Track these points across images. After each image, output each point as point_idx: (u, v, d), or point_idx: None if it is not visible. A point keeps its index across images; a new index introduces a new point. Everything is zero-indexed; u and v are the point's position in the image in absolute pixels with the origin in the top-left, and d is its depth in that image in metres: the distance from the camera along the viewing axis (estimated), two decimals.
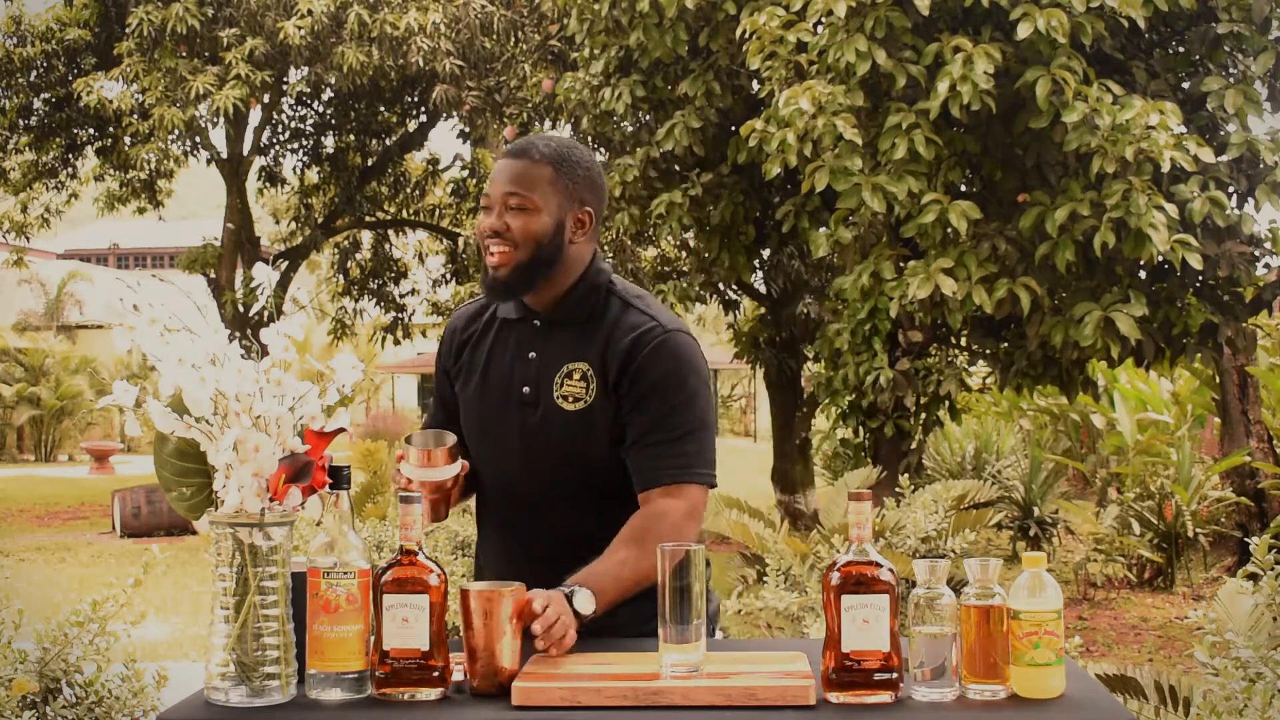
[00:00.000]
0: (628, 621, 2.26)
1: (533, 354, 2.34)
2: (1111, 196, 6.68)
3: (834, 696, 1.81)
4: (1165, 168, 6.66)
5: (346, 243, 17.19)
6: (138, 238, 41.61)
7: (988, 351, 8.42)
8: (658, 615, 1.88)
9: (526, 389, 2.33)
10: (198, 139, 14.06)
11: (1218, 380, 9.76)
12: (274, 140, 15.62)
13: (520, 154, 2.29)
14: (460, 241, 15.16)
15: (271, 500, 1.82)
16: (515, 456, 2.35)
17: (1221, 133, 7.45)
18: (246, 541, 1.82)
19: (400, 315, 16.73)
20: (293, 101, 15.33)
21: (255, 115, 14.44)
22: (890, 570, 1.82)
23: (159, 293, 1.91)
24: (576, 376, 2.29)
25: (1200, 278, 7.52)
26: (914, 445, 8.41)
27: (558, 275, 2.30)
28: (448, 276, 16.37)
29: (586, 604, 2.07)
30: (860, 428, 8.29)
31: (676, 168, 9.04)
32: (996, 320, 7.82)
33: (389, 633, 1.84)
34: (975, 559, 1.83)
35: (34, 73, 14.05)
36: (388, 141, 15.85)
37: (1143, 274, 7.65)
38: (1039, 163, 7.44)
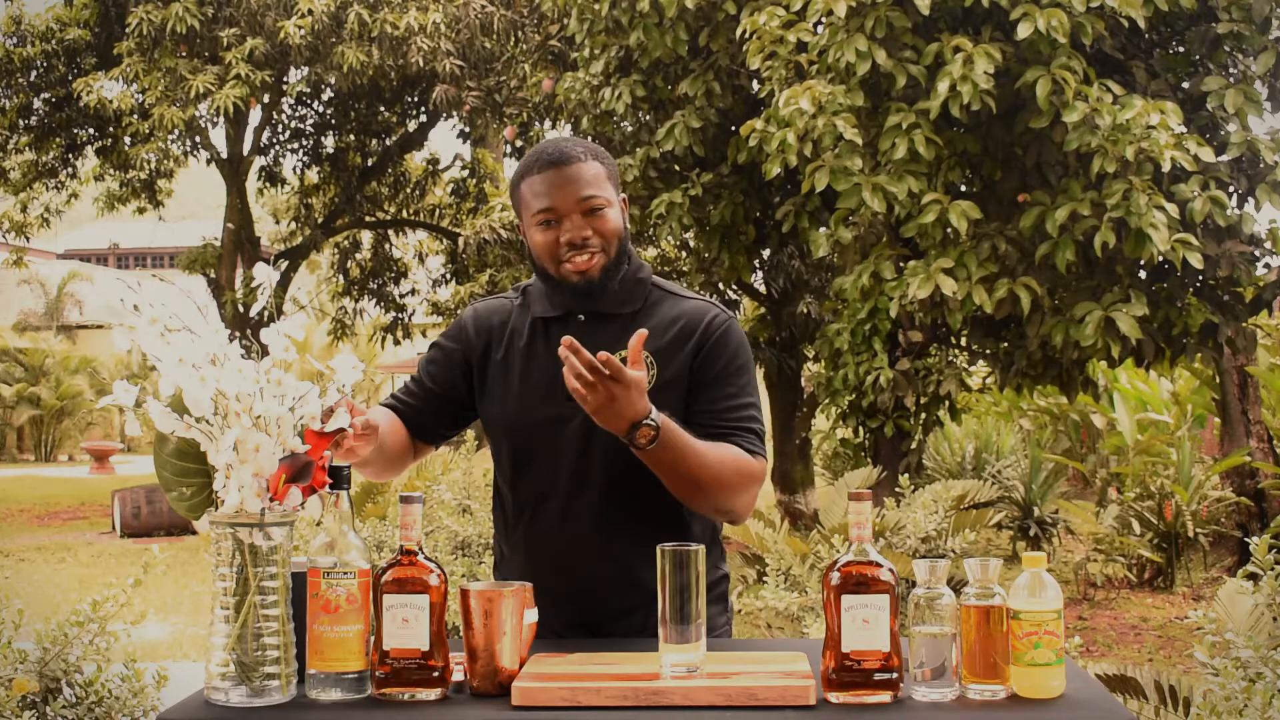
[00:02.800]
0: (628, 622, 2.26)
1: None
2: (1112, 196, 6.68)
3: (834, 696, 1.81)
4: (1165, 167, 6.66)
5: (346, 243, 17.20)
6: (138, 238, 41.62)
7: (988, 351, 8.43)
8: (658, 615, 1.88)
9: None
10: (198, 139, 14.06)
11: (1218, 380, 9.76)
12: (274, 140, 15.63)
13: (567, 159, 2.25)
14: (460, 241, 15.15)
15: (271, 500, 1.82)
16: (572, 454, 2.26)
17: (1222, 132, 7.45)
18: (246, 541, 1.82)
19: (400, 315, 16.73)
20: (293, 101, 15.34)
21: (255, 115, 14.45)
22: (890, 570, 1.82)
23: (159, 293, 1.91)
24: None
25: (1200, 277, 7.52)
26: (914, 445, 8.41)
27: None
28: (448, 276, 16.37)
29: (653, 418, 2.05)
30: (860, 428, 8.29)
31: (676, 168, 9.04)
32: (996, 320, 7.82)
33: (389, 633, 1.84)
34: (975, 559, 1.83)
35: (34, 73, 14.06)
36: (388, 141, 15.86)
37: (1143, 274, 7.65)
38: (1039, 163, 7.44)
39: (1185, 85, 7.77)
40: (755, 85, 8.35)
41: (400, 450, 2.37)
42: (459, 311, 13.15)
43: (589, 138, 11.58)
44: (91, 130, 14.73)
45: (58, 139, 14.80)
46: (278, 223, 18.68)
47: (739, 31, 7.67)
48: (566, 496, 2.27)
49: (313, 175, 16.20)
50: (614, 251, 2.26)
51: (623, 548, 2.23)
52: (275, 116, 15.24)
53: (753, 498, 2.26)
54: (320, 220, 16.16)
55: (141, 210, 15.61)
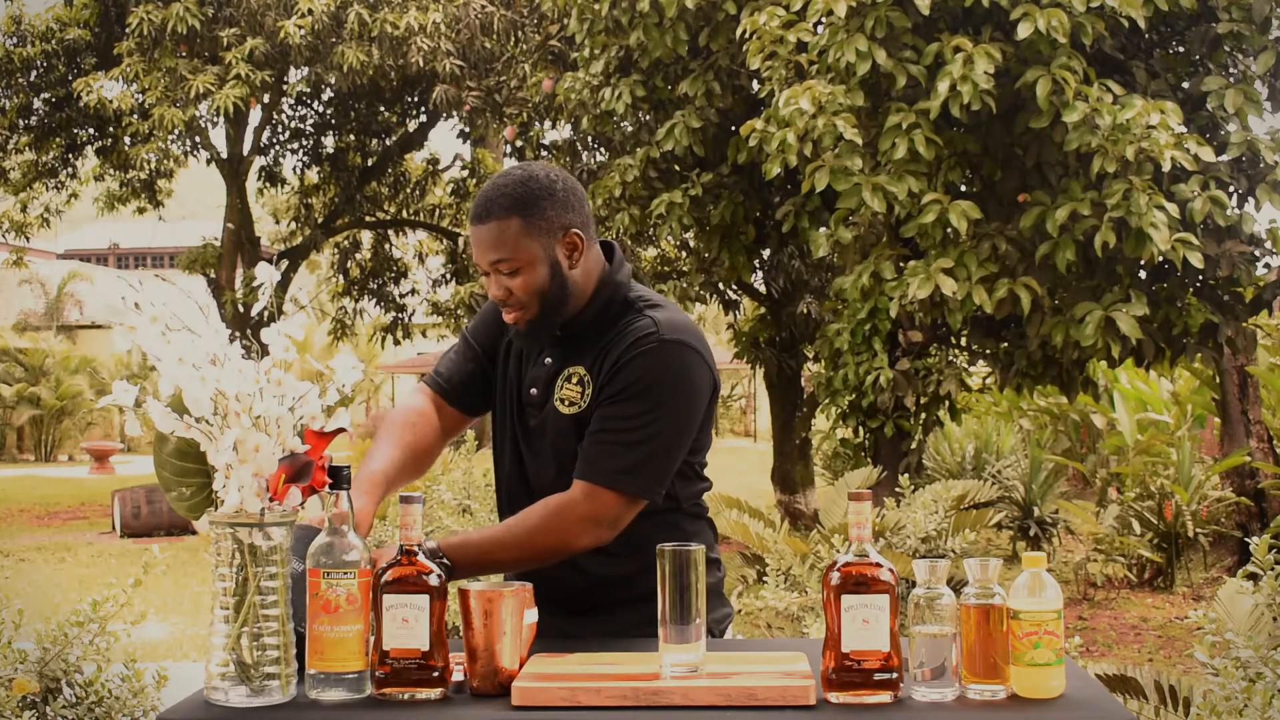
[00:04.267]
0: (628, 622, 2.26)
1: (548, 359, 2.33)
2: (1112, 196, 6.68)
3: (834, 696, 1.81)
4: (1166, 167, 6.66)
5: (346, 243, 17.19)
6: (138, 238, 41.62)
7: (988, 351, 8.42)
8: (658, 615, 1.88)
9: (534, 390, 2.33)
10: (198, 139, 14.06)
11: (1218, 380, 9.76)
12: (274, 140, 15.62)
13: (484, 217, 2.22)
14: (460, 241, 15.17)
15: (271, 500, 1.82)
16: (513, 458, 2.37)
17: (1222, 132, 7.46)
18: (246, 541, 1.82)
19: (400, 315, 16.73)
20: (293, 101, 15.34)
21: (255, 115, 14.45)
22: (890, 570, 1.82)
23: (160, 292, 1.91)
24: (574, 380, 2.28)
25: (1200, 277, 7.52)
26: (914, 445, 8.41)
27: (574, 301, 2.28)
28: (448, 276, 16.37)
29: (441, 566, 2.04)
30: (860, 428, 8.29)
31: (676, 168, 9.04)
32: (997, 320, 7.82)
33: (389, 633, 1.84)
34: (975, 559, 1.83)
35: (34, 73, 14.05)
36: (388, 141, 15.86)
37: (1143, 274, 7.65)
38: (1039, 162, 7.44)
39: (1185, 85, 7.77)
40: (755, 85, 8.35)
41: (426, 447, 2.41)
42: (459, 312, 13.18)
43: (589, 138, 11.61)
44: (91, 130, 14.73)
45: (58, 139, 14.79)
46: (278, 223, 18.68)
47: (739, 31, 7.67)
48: (522, 483, 2.36)
49: (313, 175, 16.19)
50: (535, 308, 2.24)
51: (589, 558, 2.26)
52: (275, 116, 15.23)
53: (591, 535, 2.19)
54: (320, 220, 16.15)
55: (141, 210, 15.61)
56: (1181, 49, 7.89)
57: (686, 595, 1.87)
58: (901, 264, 7.48)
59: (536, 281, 2.23)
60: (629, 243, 11.91)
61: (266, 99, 14.11)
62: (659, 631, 1.88)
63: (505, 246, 2.21)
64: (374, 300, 16.93)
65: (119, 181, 14.97)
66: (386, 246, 17.06)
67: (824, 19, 7.41)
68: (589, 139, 11.89)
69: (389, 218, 16.63)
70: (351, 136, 15.72)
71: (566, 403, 2.28)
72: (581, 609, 2.31)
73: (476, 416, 2.51)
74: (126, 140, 14.09)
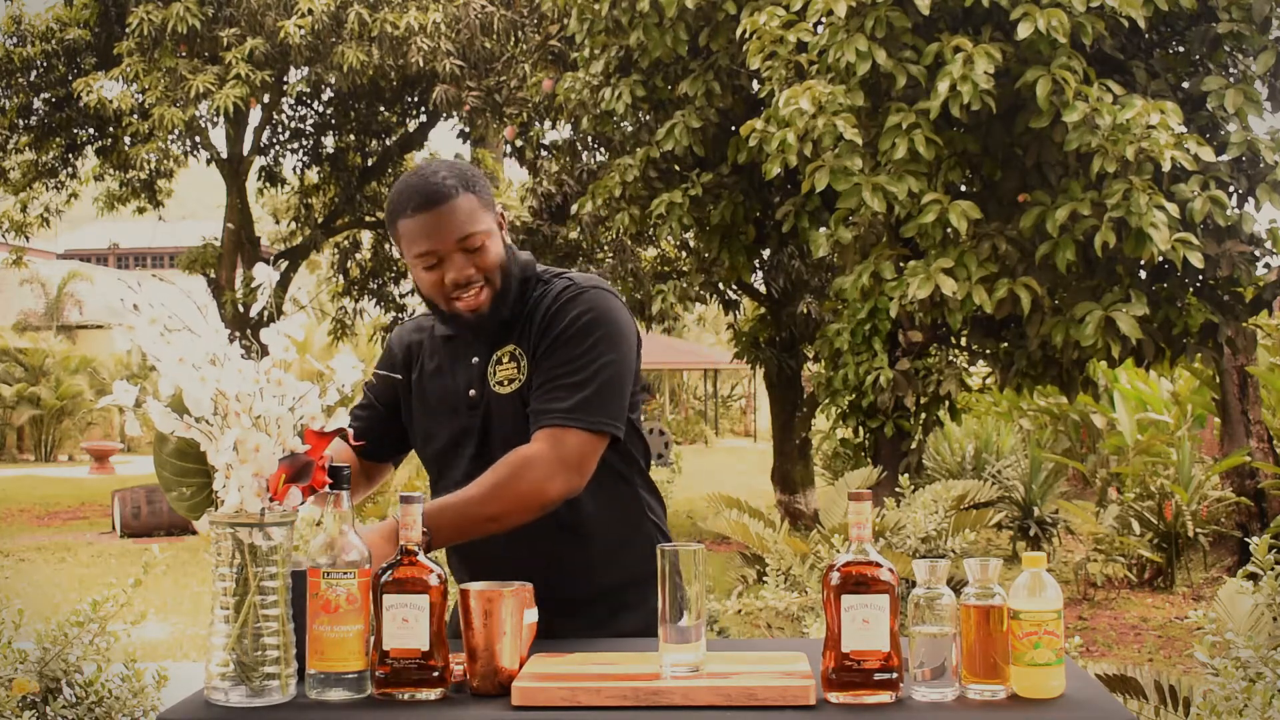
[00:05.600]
0: (629, 622, 2.26)
1: (474, 359, 2.32)
2: (1112, 196, 6.68)
3: (834, 696, 1.81)
4: (1166, 167, 6.66)
5: (346, 243, 17.20)
6: (138, 238, 41.63)
7: (988, 351, 8.43)
8: (658, 615, 1.88)
9: (472, 391, 2.31)
10: (198, 139, 14.06)
11: (1218, 380, 9.76)
12: (274, 140, 15.62)
13: (437, 199, 2.19)
14: None
15: (271, 500, 1.82)
16: (469, 459, 2.31)
17: (1222, 132, 7.46)
18: (246, 541, 1.82)
19: (400, 315, 16.72)
20: (293, 101, 15.34)
21: (255, 115, 14.45)
22: (890, 570, 1.82)
23: (159, 292, 1.91)
24: (506, 359, 2.28)
25: (1200, 277, 7.52)
26: (914, 445, 8.41)
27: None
28: None
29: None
30: (860, 428, 8.30)
31: (676, 168, 9.04)
32: (997, 320, 7.83)
33: (389, 633, 1.84)
34: (975, 559, 1.83)
35: (34, 73, 14.06)
36: (388, 141, 15.86)
37: (1143, 274, 7.66)
38: (1039, 162, 7.44)
39: (1185, 85, 7.77)
40: (755, 85, 8.35)
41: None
42: None
43: (589, 138, 11.61)
44: (91, 130, 14.73)
45: (58, 139, 14.79)
46: (278, 223, 18.68)
47: (739, 31, 7.68)
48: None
49: (313, 175, 16.20)
50: (499, 281, 2.24)
51: (547, 545, 2.25)
52: (275, 116, 15.23)
53: (564, 481, 2.16)
54: (320, 220, 16.16)
55: (141, 210, 15.61)
56: (1181, 49, 7.89)
57: (686, 595, 1.87)
58: (901, 264, 7.49)
59: (497, 251, 2.24)
60: (629, 243, 11.92)
61: (266, 99, 14.11)
62: (659, 631, 1.88)
63: (471, 221, 2.20)
64: (374, 300, 16.94)
65: (119, 181, 14.97)
66: (386, 246, 17.06)
67: (824, 19, 7.41)
68: (589, 139, 11.90)
69: None
70: (351, 136, 15.72)
71: (506, 383, 2.27)
72: (578, 600, 2.29)
73: (388, 462, 2.51)
74: (126, 140, 14.10)
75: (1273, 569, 2.86)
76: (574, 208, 10.05)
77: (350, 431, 1.94)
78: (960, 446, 11.31)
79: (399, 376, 2.41)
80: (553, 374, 2.21)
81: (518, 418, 2.25)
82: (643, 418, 2.43)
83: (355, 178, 15.75)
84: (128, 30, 12.50)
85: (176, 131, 12.84)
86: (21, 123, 14.44)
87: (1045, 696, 1.80)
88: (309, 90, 14.71)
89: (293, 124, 15.67)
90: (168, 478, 1.91)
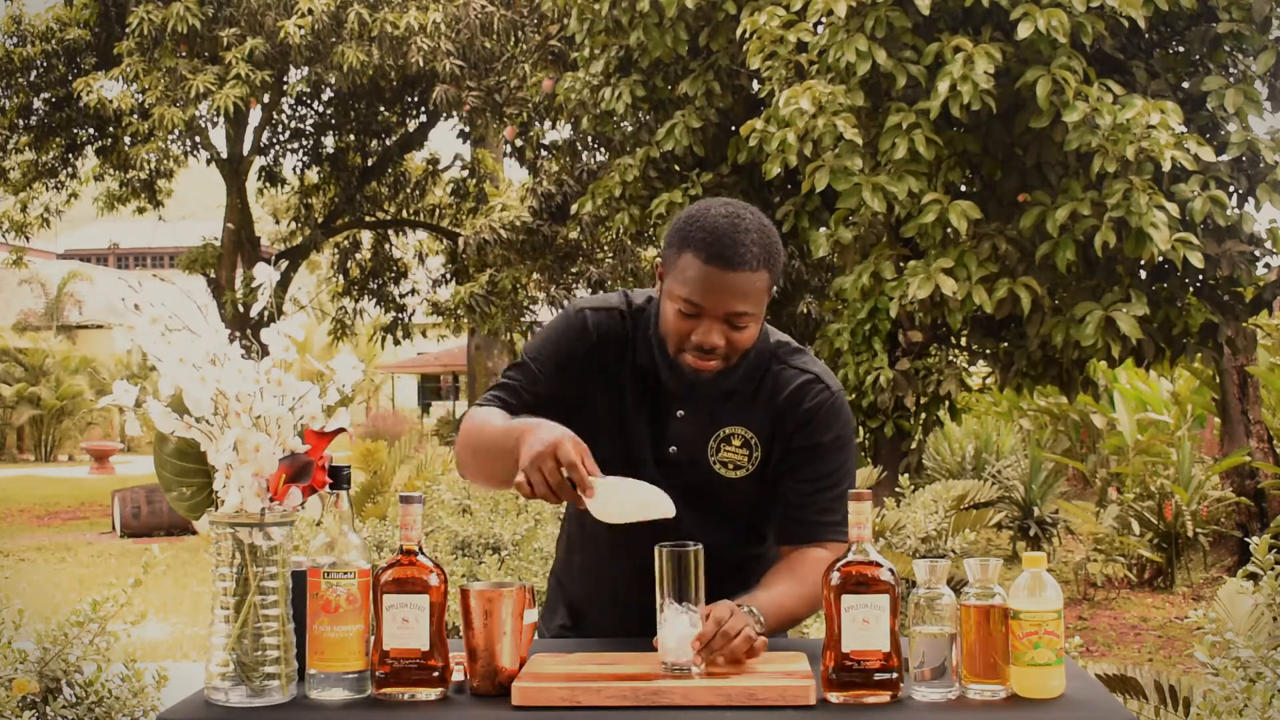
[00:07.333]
0: (629, 623, 2.27)
1: (681, 412, 2.22)
2: (1112, 196, 6.68)
3: (834, 696, 1.81)
4: (1166, 167, 6.66)
5: (346, 243, 17.21)
6: (138, 238, 41.66)
7: (988, 351, 8.43)
8: (657, 614, 1.89)
9: (674, 449, 2.22)
10: (198, 139, 14.07)
11: (1218, 380, 9.76)
12: (274, 140, 15.63)
13: (735, 263, 2.06)
14: (460, 241, 15.16)
15: (271, 500, 1.82)
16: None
17: (1222, 132, 7.45)
18: (246, 541, 1.82)
19: (400, 315, 16.74)
20: (293, 101, 15.35)
21: (255, 115, 14.46)
22: (890, 570, 1.82)
23: (159, 292, 1.91)
24: (737, 442, 2.22)
25: (1200, 277, 7.52)
26: (914, 445, 8.41)
27: None
28: (448, 276, 16.38)
29: (760, 628, 1.99)
30: (860, 428, 8.29)
31: (676, 168, 9.04)
32: (997, 320, 7.82)
33: (389, 633, 1.84)
34: (975, 559, 1.83)
35: (34, 73, 14.07)
36: (388, 141, 15.87)
37: (1143, 274, 7.65)
38: (1039, 162, 7.44)
39: (1185, 85, 7.77)
40: (755, 85, 8.35)
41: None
42: (458, 312, 13.17)
43: (589, 138, 11.60)
44: (91, 130, 14.74)
45: (58, 139, 14.80)
46: (278, 223, 18.70)
47: (739, 31, 7.67)
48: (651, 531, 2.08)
49: (313, 175, 16.21)
50: (737, 359, 2.16)
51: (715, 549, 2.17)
52: (275, 116, 15.24)
53: None
54: (320, 220, 16.17)
55: (141, 210, 15.62)
56: (1181, 49, 7.89)
57: (685, 593, 1.88)
58: (901, 264, 7.49)
59: (754, 335, 2.16)
60: (629, 243, 11.92)
61: (266, 99, 14.12)
62: (659, 631, 1.88)
63: (752, 300, 2.10)
64: (374, 300, 16.95)
65: (119, 181, 14.98)
66: (386, 246, 17.08)
67: (824, 19, 7.40)
68: (589, 139, 11.90)
69: (389, 218, 16.64)
70: (351, 136, 15.73)
71: (731, 466, 2.21)
72: None
73: None
74: (126, 140, 14.11)
75: (1273, 569, 2.86)
76: (574, 208, 10.05)
77: (351, 433, 1.94)
78: (960, 446, 11.31)
79: (570, 391, 2.24)
80: (821, 484, 2.20)
81: (735, 495, 2.22)
82: None
83: (355, 178, 15.76)
84: (128, 30, 12.51)
85: (176, 131, 12.86)
86: (21, 123, 14.45)
87: (1045, 696, 1.80)
88: (309, 90, 14.73)
89: (293, 124, 15.69)
90: (168, 478, 1.91)
